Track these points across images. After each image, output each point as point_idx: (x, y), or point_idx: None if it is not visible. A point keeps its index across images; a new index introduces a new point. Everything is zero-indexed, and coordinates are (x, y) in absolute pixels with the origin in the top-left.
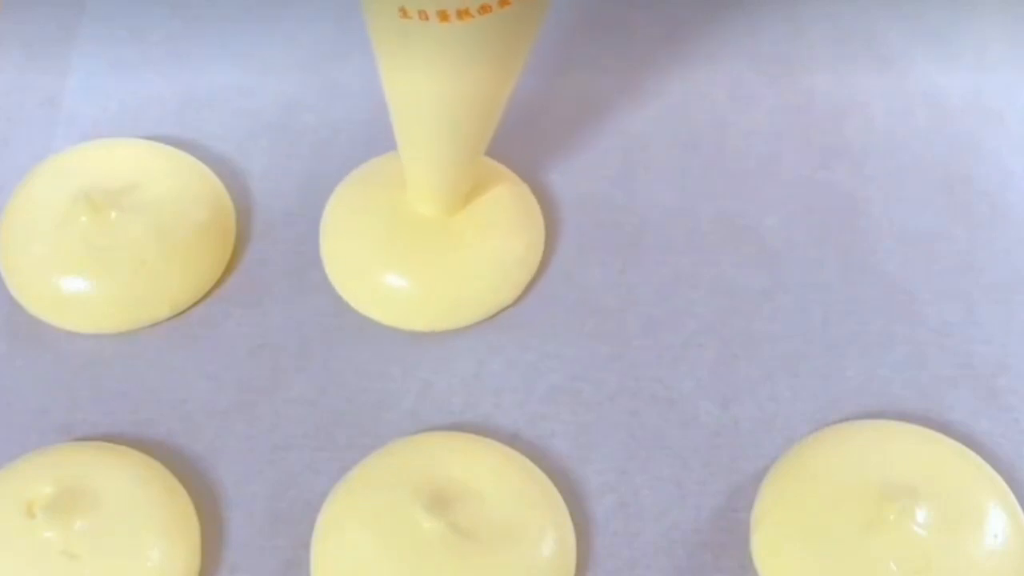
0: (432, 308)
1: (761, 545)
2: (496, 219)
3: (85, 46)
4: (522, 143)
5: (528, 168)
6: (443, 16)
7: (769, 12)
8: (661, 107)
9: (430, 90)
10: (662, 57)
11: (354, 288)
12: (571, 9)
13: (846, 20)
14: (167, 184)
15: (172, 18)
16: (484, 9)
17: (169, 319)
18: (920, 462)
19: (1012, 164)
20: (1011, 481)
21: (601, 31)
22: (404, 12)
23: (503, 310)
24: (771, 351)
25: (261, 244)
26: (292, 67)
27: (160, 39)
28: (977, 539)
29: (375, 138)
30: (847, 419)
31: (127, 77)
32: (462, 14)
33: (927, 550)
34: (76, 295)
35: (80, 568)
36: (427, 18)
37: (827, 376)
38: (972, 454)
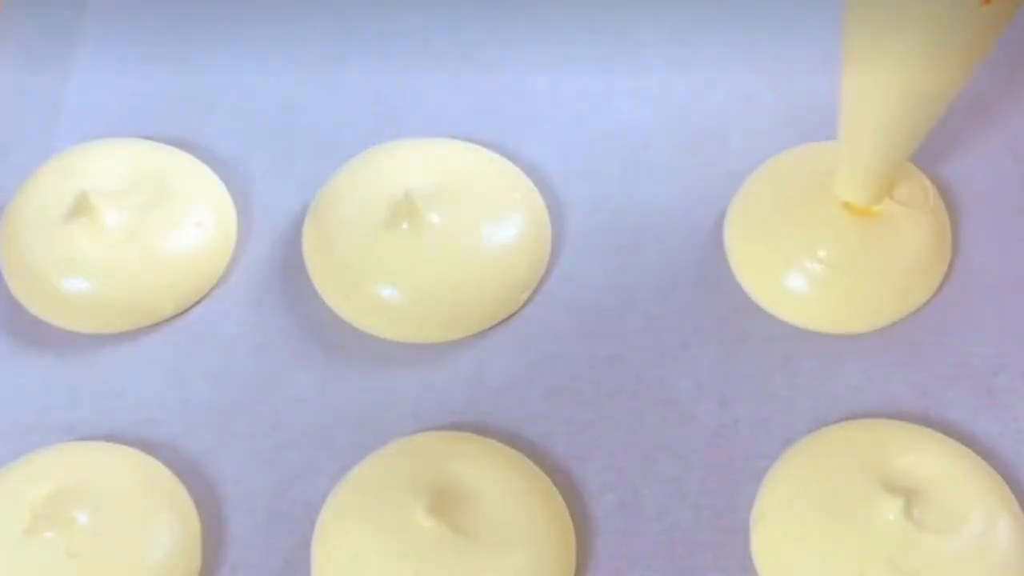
0: (436, 323)
1: (761, 545)
2: (510, 231)
3: (86, 46)
4: (524, 144)
5: (530, 168)
6: None
7: (770, 12)
8: (661, 107)
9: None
10: (662, 57)
11: (346, 305)
12: (575, 12)
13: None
14: (167, 184)
15: (172, 18)
16: None
17: (170, 319)
18: (919, 462)
19: (1007, 164)
20: (1010, 480)
21: (601, 32)
22: None
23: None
24: (770, 351)
25: (261, 244)
26: (292, 67)
27: (160, 39)
28: (976, 538)
29: (375, 136)
30: (846, 419)
31: (127, 77)
32: None
33: (926, 549)
34: (77, 295)
35: (81, 567)
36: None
37: (826, 376)
38: (971, 453)
